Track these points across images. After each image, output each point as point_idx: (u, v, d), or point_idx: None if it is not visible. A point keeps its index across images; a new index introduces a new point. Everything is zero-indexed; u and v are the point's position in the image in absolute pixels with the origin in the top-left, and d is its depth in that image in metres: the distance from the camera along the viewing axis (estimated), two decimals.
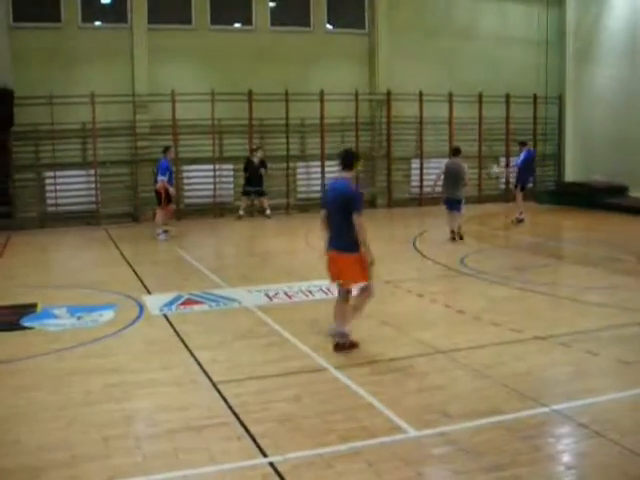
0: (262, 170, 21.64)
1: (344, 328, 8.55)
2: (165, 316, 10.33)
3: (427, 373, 7.75)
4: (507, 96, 25.43)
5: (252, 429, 6.26)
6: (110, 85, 21.09)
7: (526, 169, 20.05)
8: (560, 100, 26.60)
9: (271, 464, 5.62)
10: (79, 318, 10.26)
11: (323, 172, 23.60)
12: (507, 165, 23.28)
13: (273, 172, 23.20)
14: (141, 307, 10.86)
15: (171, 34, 22.00)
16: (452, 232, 16.81)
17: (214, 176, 22.50)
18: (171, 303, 11.05)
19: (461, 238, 16.77)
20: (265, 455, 5.78)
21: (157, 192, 18.16)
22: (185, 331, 9.50)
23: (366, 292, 8.62)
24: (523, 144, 20.44)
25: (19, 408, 6.88)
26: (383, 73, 24.17)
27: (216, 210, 22.58)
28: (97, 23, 21.76)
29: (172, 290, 11.91)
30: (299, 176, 23.98)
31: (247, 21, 23.15)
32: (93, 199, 21.47)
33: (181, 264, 14.93)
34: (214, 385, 7.41)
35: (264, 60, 22.59)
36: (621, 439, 5.92)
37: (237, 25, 23.32)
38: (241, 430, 6.27)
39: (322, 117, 23.23)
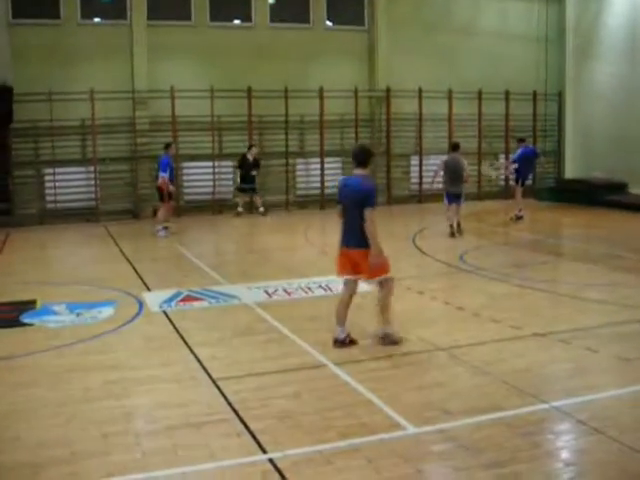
0: (254, 172, 21.65)
1: (390, 327, 8.59)
2: (165, 313, 10.33)
3: (427, 370, 7.76)
4: (507, 93, 25.42)
5: (251, 426, 6.25)
6: (110, 82, 21.09)
7: (525, 166, 20.04)
8: (560, 97, 26.60)
9: (270, 460, 5.61)
10: (78, 315, 10.26)
11: (322, 169, 23.61)
12: (506, 168, 23.24)
13: (272, 169, 23.25)
14: (141, 304, 10.86)
15: (170, 31, 22.00)
16: (451, 227, 16.89)
17: (213, 173, 22.51)
18: (171, 300, 11.04)
19: (460, 233, 16.86)
20: (265, 452, 5.77)
21: (159, 188, 18.18)
22: (184, 328, 9.49)
23: (387, 286, 8.59)
24: (521, 141, 20.46)
25: (18, 405, 6.87)
26: (382, 70, 24.16)
27: (215, 207, 22.58)
28: (96, 20, 21.74)
29: (172, 287, 11.90)
30: (298, 173, 23.98)
31: (246, 18, 23.15)
32: (92, 196, 21.47)
33: (181, 261, 14.93)
34: (213, 382, 7.41)
35: (263, 57, 22.59)
36: (620, 436, 5.92)
37: (236, 22, 23.30)
38: (240, 427, 6.27)
39: (321, 114, 23.23)
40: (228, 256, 16.76)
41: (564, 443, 6.02)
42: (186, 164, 22.38)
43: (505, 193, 25.03)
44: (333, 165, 24.06)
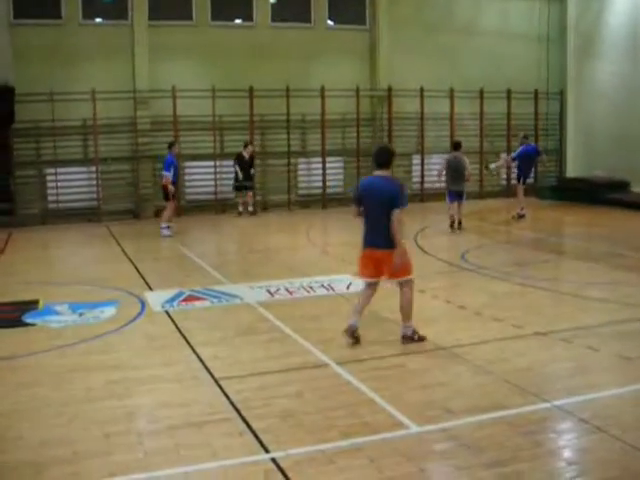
0: (252, 170, 21.63)
1: (411, 323, 8.62)
2: (167, 312, 10.34)
3: (429, 369, 7.75)
4: (508, 92, 25.40)
5: (254, 425, 6.26)
6: (111, 82, 21.09)
7: (527, 164, 20.04)
8: (561, 96, 26.57)
9: (273, 460, 5.62)
10: (81, 315, 10.27)
11: (324, 168, 23.61)
12: (508, 167, 23.24)
13: (274, 168, 23.25)
14: (143, 304, 10.87)
15: (172, 30, 22.00)
16: (452, 222, 17.04)
17: (215, 172, 22.51)
18: (173, 299, 11.05)
19: (460, 229, 17.02)
20: (267, 451, 5.78)
21: (163, 187, 18.19)
22: (187, 327, 9.50)
23: (408, 286, 8.61)
24: (526, 138, 20.48)
25: (21, 404, 6.89)
26: (384, 69, 24.15)
27: (217, 206, 22.58)
28: (98, 20, 21.75)
29: (174, 286, 11.91)
30: (300, 172, 23.97)
31: (248, 17, 23.14)
32: (94, 196, 21.49)
33: (183, 260, 14.94)
34: (216, 381, 7.42)
35: (265, 56, 22.57)
36: (622, 435, 5.92)
37: (238, 21, 23.30)
38: (243, 426, 6.28)
39: (323, 113, 23.22)
40: (230, 256, 16.76)
41: (566, 442, 6.03)
42: (188, 164, 22.38)
43: (507, 191, 25.03)
44: (335, 164, 24.07)
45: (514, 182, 21.65)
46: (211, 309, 10.62)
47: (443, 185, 18.16)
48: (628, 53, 23.74)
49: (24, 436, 6.15)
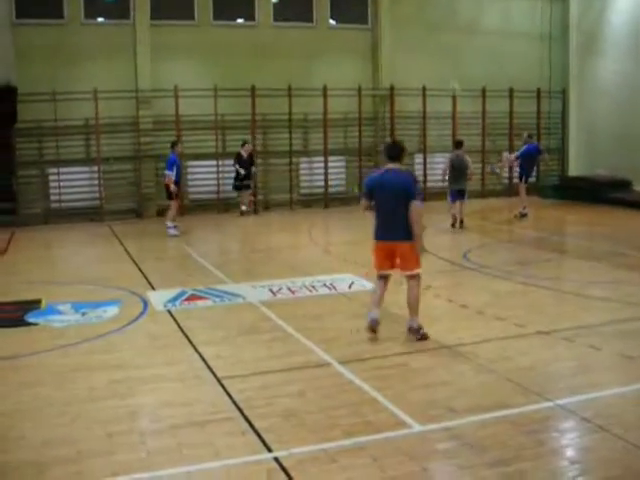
0: (254, 169, 21.62)
1: (417, 317, 8.73)
2: (169, 312, 10.35)
3: (431, 368, 7.75)
4: (510, 90, 25.38)
5: (256, 424, 6.27)
6: (113, 81, 21.10)
7: (529, 163, 20.04)
8: (564, 94, 26.55)
9: (276, 459, 5.63)
10: (83, 314, 10.28)
11: (326, 167, 23.61)
12: (510, 166, 23.22)
13: (276, 167, 23.25)
14: (145, 303, 10.88)
15: (174, 30, 22.00)
16: (454, 221, 17.15)
17: (217, 172, 22.51)
18: (175, 299, 11.06)
19: (462, 228, 17.15)
20: (270, 450, 5.79)
21: (166, 186, 18.18)
22: (189, 327, 9.51)
23: (417, 279, 8.72)
24: (530, 137, 20.49)
25: (23, 404, 6.90)
26: (386, 68, 24.13)
27: (220, 206, 22.59)
28: (100, 19, 21.76)
29: (176, 286, 11.92)
30: (302, 171, 23.96)
31: (250, 17, 23.14)
32: (97, 195, 21.51)
33: (185, 260, 14.95)
34: (218, 380, 7.42)
35: (267, 55, 22.56)
36: (625, 434, 5.92)
37: (240, 21, 23.30)
38: (245, 425, 6.28)
39: (325, 112, 23.22)
40: (232, 255, 16.77)
41: (569, 441, 6.03)
42: (190, 163, 22.36)
43: (509, 190, 25.01)
44: (337, 164, 24.07)
45: (516, 181, 21.62)
46: (213, 308, 10.63)
47: (446, 184, 18.17)
48: (630, 51, 23.69)
49: (26, 436, 6.16)
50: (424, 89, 24.13)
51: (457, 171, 17.47)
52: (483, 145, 25.30)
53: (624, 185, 22.99)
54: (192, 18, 22.40)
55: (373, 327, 8.65)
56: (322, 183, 23.73)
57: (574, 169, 26.40)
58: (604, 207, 21.41)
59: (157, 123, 21.83)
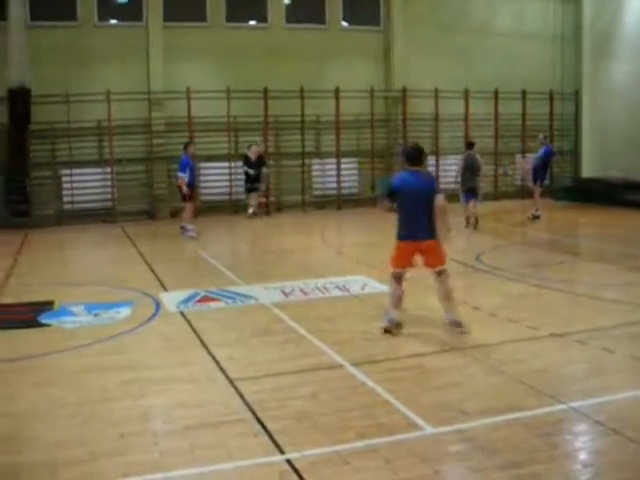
0: (264, 170, 21.59)
1: (455, 312, 8.93)
2: (182, 313, 10.36)
3: (444, 370, 7.73)
4: (523, 92, 25.34)
5: (269, 426, 6.26)
6: (126, 83, 21.19)
7: (543, 165, 20.00)
8: (576, 96, 26.47)
9: (288, 461, 5.62)
10: (96, 315, 10.30)
11: (339, 169, 23.62)
12: (523, 178, 23.15)
13: (288, 169, 23.28)
14: (158, 304, 10.89)
15: (186, 32, 22.06)
16: (467, 219, 17.29)
17: (230, 173, 22.55)
18: (188, 300, 11.07)
19: (475, 228, 17.38)
20: (282, 452, 5.78)
21: (179, 188, 18.20)
22: (202, 328, 9.51)
23: (445, 274, 9.02)
24: (545, 139, 20.47)
25: (36, 405, 6.91)
26: (398, 70, 24.14)
27: (232, 207, 22.62)
28: (113, 21, 21.88)
29: (189, 287, 11.93)
30: (314, 173, 23.99)
31: (262, 18, 23.21)
32: (109, 196, 21.60)
33: (197, 261, 14.97)
34: (231, 382, 7.42)
35: (279, 57, 22.60)
36: (637, 436, 5.88)
37: (252, 22, 23.38)
38: (258, 427, 6.28)
39: (337, 114, 23.24)
40: (244, 256, 16.79)
41: (582, 444, 6.00)
42: (203, 165, 22.40)
43: (522, 192, 24.93)
44: (349, 165, 24.08)
45: (529, 184, 21.54)
46: (226, 310, 10.63)
47: (458, 186, 18.18)
48: None
49: (39, 436, 6.18)
50: (436, 91, 24.11)
51: (469, 171, 17.53)
52: (496, 147, 25.25)
53: (637, 187, 22.85)
54: (204, 20, 22.47)
55: (391, 328, 8.77)
56: (335, 185, 23.74)
57: (587, 171, 26.31)
58: (617, 209, 21.33)
59: (169, 125, 21.89)
